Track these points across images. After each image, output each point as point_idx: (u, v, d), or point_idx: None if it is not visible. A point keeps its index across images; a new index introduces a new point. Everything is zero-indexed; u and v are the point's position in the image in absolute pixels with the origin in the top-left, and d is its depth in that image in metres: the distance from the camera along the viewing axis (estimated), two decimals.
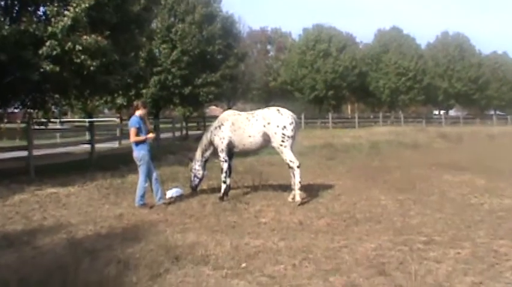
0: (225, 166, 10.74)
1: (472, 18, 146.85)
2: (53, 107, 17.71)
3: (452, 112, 68.79)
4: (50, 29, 12.49)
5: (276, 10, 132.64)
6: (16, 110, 19.79)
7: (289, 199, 10.20)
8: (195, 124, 35.67)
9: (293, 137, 10.24)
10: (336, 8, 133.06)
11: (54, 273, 5.52)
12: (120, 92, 24.04)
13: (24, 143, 14.50)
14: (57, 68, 12.62)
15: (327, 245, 6.84)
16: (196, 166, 11.16)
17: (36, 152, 14.04)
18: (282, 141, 10.09)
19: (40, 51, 12.41)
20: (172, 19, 30.50)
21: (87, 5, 12.76)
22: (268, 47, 69.02)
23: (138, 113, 10.03)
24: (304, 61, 51.15)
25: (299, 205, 9.72)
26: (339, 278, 5.55)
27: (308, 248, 6.71)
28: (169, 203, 9.97)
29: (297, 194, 9.98)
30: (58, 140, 26.06)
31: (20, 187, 11.59)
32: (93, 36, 12.94)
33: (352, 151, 22.86)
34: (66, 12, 12.65)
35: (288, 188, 10.85)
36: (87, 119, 36.88)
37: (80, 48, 12.69)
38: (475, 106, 64.70)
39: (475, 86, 57.53)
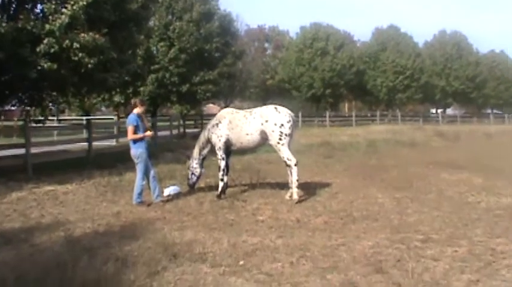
0: (222, 163, 10.75)
1: (469, 16, 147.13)
2: (50, 104, 17.66)
3: (449, 111, 68.94)
4: (47, 26, 12.46)
5: (274, 8, 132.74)
6: (13, 108, 19.76)
7: (287, 197, 10.21)
8: (192, 122, 35.62)
9: (290, 135, 10.26)
10: (334, 7, 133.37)
11: (52, 271, 5.51)
12: (118, 90, 24.06)
13: (21, 140, 14.49)
14: (55, 66, 12.60)
15: (324, 243, 6.86)
16: (194, 164, 11.16)
17: (33, 150, 14.02)
18: (280, 139, 10.10)
19: (38, 49, 12.38)
20: (170, 17, 30.46)
21: (84, 3, 12.74)
22: (266, 45, 68.94)
23: (136, 111, 10.03)
24: (301, 59, 51.16)
25: (296, 203, 9.74)
26: (336, 276, 5.57)
27: (305, 246, 6.73)
28: (167, 201, 9.98)
29: (295, 192, 10.00)
30: (55, 138, 26.06)
31: (17, 184, 11.58)
32: (90, 34, 12.92)
33: (349, 149, 22.88)
34: (63, 10, 12.63)
35: (285, 186, 10.87)
36: (84, 117, 36.89)
37: (78, 46, 12.67)
38: (473, 105, 64.87)
39: (473, 84, 57.64)
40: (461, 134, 32.19)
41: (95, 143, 17.50)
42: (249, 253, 6.43)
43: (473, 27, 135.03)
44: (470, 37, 61.10)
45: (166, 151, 18.89)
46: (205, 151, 11.24)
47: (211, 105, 58.79)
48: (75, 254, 6.14)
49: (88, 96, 23.61)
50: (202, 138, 11.20)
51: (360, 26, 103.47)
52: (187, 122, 32.45)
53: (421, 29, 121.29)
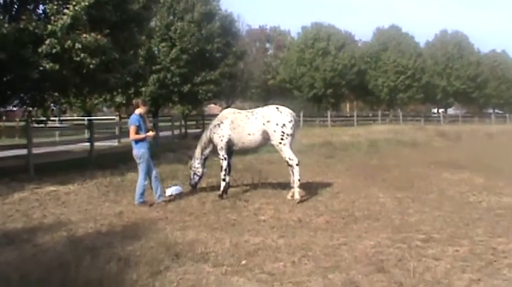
0: (224, 163, 10.77)
1: (470, 16, 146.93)
2: (52, 105, 17.71)
3: (451, 110, 68.76)
4: (49, 27, 12.49)
5: (275, 8, 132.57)
6: (15, 109, 19.79)
7: (289, 197, 10.23)
8: (194, 122, 35.62)
9: (292, 135, 10.28)
10: (335, 7, 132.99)
11: (55, 271, 5.54)
12: (120, 90, 24.01)
13: (23, 141, 14.52)
14: (57, 66, 12.63)
15: (326, 243, 6.88)
16: (196, 164, 11.18)
17: (35, 151, 14.05)
18: (281, 139, 10.12)
19: (40, 50, 12.42)
20: (171, 17, 30.44)
21: (86, 4, 12.77)
22: (267, 45, 68.87)
23: (138, 111, 10.06)
24: (303, 59, 51.08)
25: (298, 202, 9.76)
26: (338, 275, 5.59)
27: (307, 245, 6.75)
28: (169, 201, 10.02)
29: (296, 192, 10.02)
30: (57, 139, 26.10)
31: (19, 185, 11.62)
32: (92, 34, 12.95)
33: (350, 149, 22.90)
34: (65, 11, 12.66)
35: (287, 186, 10.89)
36: (86, 118, 36.90)
37: (80, 46, 12.69)
38: (474, 104, 64.70)
39: (474, 84, 57.49)
40: (463, 134, 32.16)
41: (97, 144, 17.53)
42: (251, 252, 6.45)
43: (475, 27, 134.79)
44: (471, 37, 61.07)
45: (168, 151, 18.91)
46: (207, 151, 11.27)
47: (212, 105, 58.73)
48: (78, 254, 6.17)
49: (90, 97, 23.62)
50: (204, 138, 11.22)
51: (361, 26, 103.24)
52: (188, 123, 32.47)
53: (423, 29, 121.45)
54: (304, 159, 13.40)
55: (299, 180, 10.06)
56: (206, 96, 32.10)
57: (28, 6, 13.73)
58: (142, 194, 9.80)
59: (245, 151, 13.32)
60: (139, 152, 9.83)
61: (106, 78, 14.74)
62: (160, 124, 25.63)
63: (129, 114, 11.03)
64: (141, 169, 9.87)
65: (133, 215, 8.91)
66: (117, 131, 23.45)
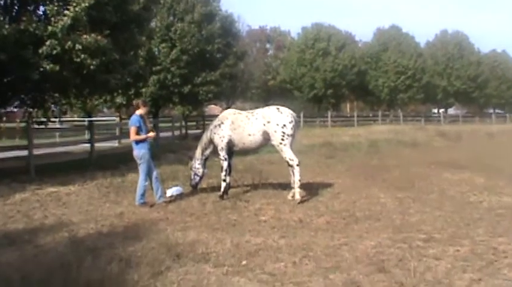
0: (225, 164, 10.78)
1: (471, 16, 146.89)
2: (52, 106, 17.72)
3: (451, 110, 68.72)
4: (50, 28, 12.51)
5: (275, 9, 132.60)
6: (16, 110, 19.81)
7: (289, 197, 10.24)
8: (194, 123, 35.63)
9: (293, 136, 10.29)
10: (335, 7, 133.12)
11: (56, 271, 5.55)
12: (120, 91, 24.04)
13: (24, 142, 14.53)
14: (57, 67, 12.65)
15: (327, 243, 6.88)
16: (196, 165, 11.19)
17: (36, 152, 14.06)
18: (282, 139, 10.13)
19: (40, 51, 12.43)
20: (171, 18, 30.45)
21: (87, 4, 12.78)
22: (267, 45, 68.91)
23: (139, 112, 10.07)
24: (303, 60, 51.08)
25: (299, 203, 9.77)
26: (339, 276, 5.59)
27: (308, 245, 6.75)
28: (170, 202, 10.02)
29: (297, 193, 10.02)
30: (57, 140, 26.11)
31: (20, 186, 11.63)
32: (93, 35, 12.96)
33: (351, 149, 22.89)
34: (66, 12, 12.68)
35: (287, 186, 10.90)
36: (86, 118, 36.91)
37: (80, 47, 12.71)
38: (474, 104, 64.67)
39: (474, 84, 57.47)
40: (463, 134, 32.14)
41: (97, 145, 17.54)
42: (251, 253, 6.45)
43: (475, 27, 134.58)
44: (471, 37, 60.92)
45: (169, 152, 18.91)
46: (207, 152, 11.27)
47: (213, 106, 58.74)
48: (79, 255, 6.18)
49: (90, 98, 23.59)
50: (205, 139, 11.23)
51: (361, 26, 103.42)
52: (189, 123, 32.47)
53: (423, 29, 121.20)
54: (305, 159, 13.40)
55: (299, 180, 10.07)
56: (206, 97, 32.11)
57: (28, 8, 13.75)
58: (143, 195, 9.81)
59: (246, 151, 13.33)
60: (139, 153, 9.84)
61: (106, 79, 14.75)
62: (161, 125, 25.63)
63: (130, 115, 11.04)
64: (142, 169, 9.88)
65: (134, 216, 8.92)
66: (117, 132, 23.50)
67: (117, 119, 34.15)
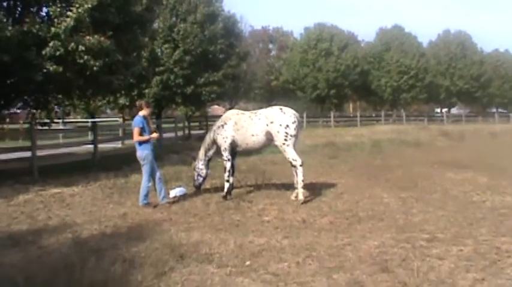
0: (228, 165, 10.78)
1: (473, 16, 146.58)
2: (55, 107, 17.77)
3: (454, 110, 68.65)
4: (53, 29, 12.55)
5: (278, 9, 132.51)
6: (19, 111, 19.87)
7: (292, 198, 10.24)
8: (197, 124, 35.67)
9: (296, 136, 10.29)
10: (338, 7, 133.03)
11: (60, 272, 5.56)
12: (123, 92, 24.12)
13: (27, 143, 14.57)
14: (60, 69, 12.69)
15: (330, 243, 6.88)
16: (200, 165, 11.20)
17: (39, 153, 14.10)
18: (285, 140, 10.13)
19: (43, 52, 12.47)
20: (174, 19, 30.54)
21: (90, 6, 12.82)
22: (270, 46, 68.98)
23: (142, 113, 10.08)
24: (306, 60, 51.10)
25: (302, 203, 9.76)
26: (343, 276, 5.59)
27: (311, 246, 6.75)
28: (173, 202, 10.02)
29: (300, 193, 10.02)
30: (61, 141, 26.16)
31: (24, 187, 11.65)
32: (96, 36, 13.00)
33: (354, 149, 22.85)
34: (69, 13, 12.72)
35: (290, 186, 10.89)
36: (89, 120, 36.98)
37: (83, 48, 12.74)
38: (477, 104, 64.61)
39: (477, 84, 57.39)
40: (466, 134, 32.05)
41: (101, 146, 17.58)
42: (255, 253, 6.46)
43: (478, 27, 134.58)
44: (474, 36, 60.84)
45: (172, 152, 18.92)
46: (210, 152, 11.28)
47: (216, 106, 58.88)
48: (83, 256, 6.19)
49: (93, 99, 23.68)
50: (208, 139, 11.24)
51: (364, 26, 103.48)
52: (192, 124, 32.49)
53: (425, 29, 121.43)
54: (308, 160, 13.39)
55: (303, 181, 10.06)
56: (209, 98, 32.19)
57: (31, 9, 13.80)
58: (146, 195, 9.82)
59: (249, 151, 13.31)
60: (143, 153, 9.86)
61: (109, 80, 14.79)
62: (164, 126, 25.67)
63: (133, 116, 11.06)
64: (145, 170, 9.89)
65: (138, 217, 8.93)
66: (120, 133, 23.51)
67: (120, 120, 34.25)
